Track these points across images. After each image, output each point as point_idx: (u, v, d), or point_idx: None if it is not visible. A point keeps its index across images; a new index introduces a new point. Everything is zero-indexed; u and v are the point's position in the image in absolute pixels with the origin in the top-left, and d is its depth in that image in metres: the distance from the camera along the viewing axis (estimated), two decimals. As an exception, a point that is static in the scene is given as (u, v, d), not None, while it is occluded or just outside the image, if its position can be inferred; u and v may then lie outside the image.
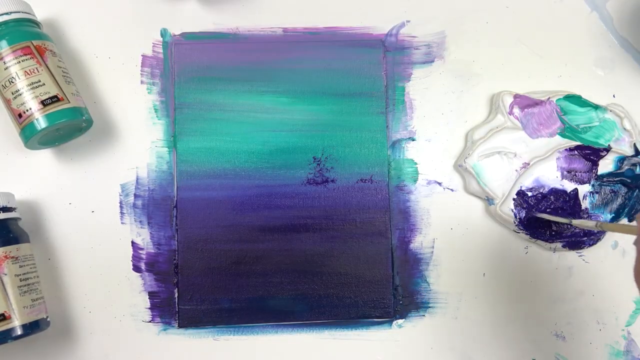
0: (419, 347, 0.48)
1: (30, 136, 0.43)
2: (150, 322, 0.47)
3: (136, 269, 0.47)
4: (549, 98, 0.49)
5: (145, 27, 0.49)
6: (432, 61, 0.50)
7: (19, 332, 0.41)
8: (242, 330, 0.47)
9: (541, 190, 0.48)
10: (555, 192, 0.48)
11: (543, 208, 0.48)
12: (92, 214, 0.47)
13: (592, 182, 0.48)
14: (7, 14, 0.44)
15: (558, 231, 0.48)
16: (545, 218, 0.47)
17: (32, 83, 0.43)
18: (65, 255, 0.47)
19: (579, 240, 0.48)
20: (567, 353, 0.48)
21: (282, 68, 0.49)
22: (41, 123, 0.42)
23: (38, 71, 0.43)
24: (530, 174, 0.48)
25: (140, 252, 0.47)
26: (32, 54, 0.43)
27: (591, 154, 0.49)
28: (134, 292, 0.47)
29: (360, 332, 0.48)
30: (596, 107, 0.49)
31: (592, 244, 0.48)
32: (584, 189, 0.48)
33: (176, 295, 0.47)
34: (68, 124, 0.44)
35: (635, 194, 0.48)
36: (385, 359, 0.48)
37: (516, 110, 0.49)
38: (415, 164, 0.49)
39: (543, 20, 0.51)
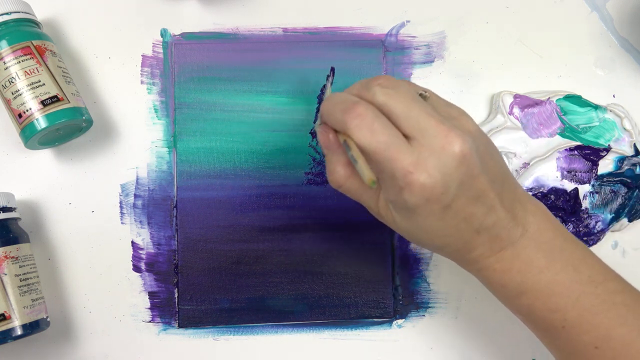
0: (419, 347, 0.48)
1: (30, 136, 0.43)
2: (150, 322, 0.47)
3: (136, 269, 0.47)
4: (549, 98, 0.49)
5: (145, 27, 0.49)
6: (432, 61, 0.50)
7: (19, 332, 0.41)
8: (242, 330, 0.47)
9: (541, 190, 0.48)
10: (555, 191, 0.48)
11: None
12: (92, 214, 0.47)
13: (592, 182, 0.48)
14: (7, 14, 0.44)
15: None
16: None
17: (32, 83, 0.43)
18: (65, 255, 0.47)
19: (579, 240, 0.48)
20: (567, 353, 0.48)
21: (282, 68, 0.49)
22: (41, 123, 0.42)
23: (38, 71, 0.43)
24: (530, 174, 0.48)
25: (140, 252, 0.47)
26: (32, 54, 0.43)
27: (591, 154, 0.49)
28: (134, 292, 0.47)
29: (360, 332, 0.48)
30: (596, 107, 0.49)
31: (592, 244, 0.48)
32: (584, 189, 0.48)
33: (176, 295, 0.47)
34: (68, 124, 0.44)
35: (635, 194, 0.48)
36: (385, 359, 0.48)
37: (516, 110, 0.49)
38: (415, 164, 0.49)
39: (543, 20, 0.51)
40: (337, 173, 0.37)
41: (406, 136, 0.33)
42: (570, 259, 0.36)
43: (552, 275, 0.35)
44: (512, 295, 0.37)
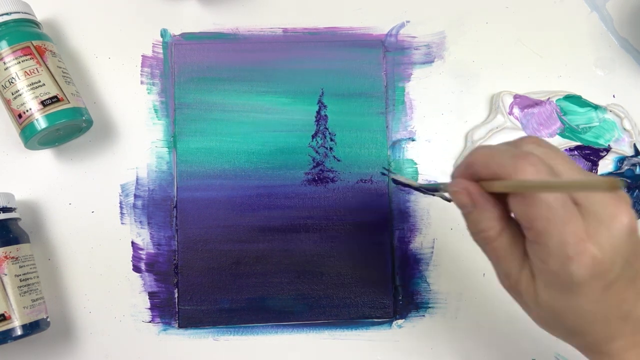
0: (419, 347, 0.48)
1: (30, 136, 0.43)
2: (150, 322, 0.47)
3: (136, 269, 0.47)
4: (549, 98, 0.49)
5: (145, 27, 0.49)
6: (432, 61, 0.50)
7: (19, 332, 0.41)
8: (242, 330, 0.47)
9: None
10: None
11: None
12: (92, 214, 0.47)
13: (592, 182, 0.48)
14: (7, 14, 0.44)
15: None
16: (399, 180, 0.45)
17: (32, 83, 0.43)
18: (65, 255, 0.47)
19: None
20: (567, 353, 0.48)
21: (282, 68, 0.49)
22: (41, 123, 0.42)
23: (38, 71, 0.43)
24: (530, 174, 0.48)
25: (140, 252, 0.47)
26: (32, 54, 0.43)
27: (591, 154, 0.49)
28: (134, 292, 0.47)
29: (360, 332, 0.48)
30: (596, 107, 0.49)
31: (592, 244, 0.48)
32: (584, 189, 0.48)
33: (176, 295, 0.47)
34: (68, 124, 0.44)
35: (635, 194, 0.48)
36: (385, 359, 0.48)
37: (516, 111, 0.49)
38: (415, 164, 0.49)
39: (543, 20, 0.51)
40: (493, 229, 0.32)
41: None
42: None
43: None
44: None
